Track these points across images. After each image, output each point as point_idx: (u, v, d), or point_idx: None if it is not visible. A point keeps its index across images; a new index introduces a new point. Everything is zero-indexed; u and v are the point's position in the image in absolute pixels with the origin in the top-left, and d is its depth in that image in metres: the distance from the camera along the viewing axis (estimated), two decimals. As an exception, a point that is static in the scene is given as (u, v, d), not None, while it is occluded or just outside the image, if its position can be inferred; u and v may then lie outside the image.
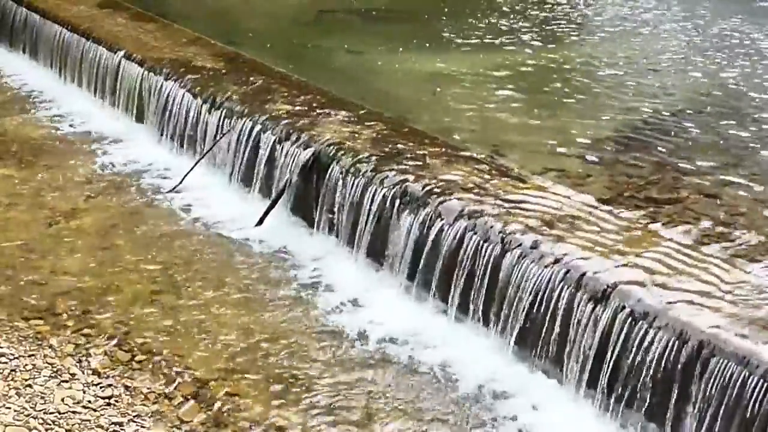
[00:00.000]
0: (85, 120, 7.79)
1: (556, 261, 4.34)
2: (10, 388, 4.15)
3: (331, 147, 5.70)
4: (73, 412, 4.03)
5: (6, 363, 4.36)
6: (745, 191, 5.51)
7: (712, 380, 3.67)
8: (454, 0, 10.95)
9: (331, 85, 7.06)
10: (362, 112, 6.38)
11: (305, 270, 5.41)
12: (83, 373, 4.35)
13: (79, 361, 4.44)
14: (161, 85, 7.21)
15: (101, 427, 3.96)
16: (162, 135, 7.18)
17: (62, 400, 4.10)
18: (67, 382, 4.26)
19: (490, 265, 4.58)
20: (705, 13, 11.00)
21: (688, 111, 7.13)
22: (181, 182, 6.47)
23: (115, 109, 7.84)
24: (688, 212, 5.06)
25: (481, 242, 4.63)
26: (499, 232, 4.61)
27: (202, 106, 6.78)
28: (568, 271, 4.26)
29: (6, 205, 6.15)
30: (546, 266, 4.34)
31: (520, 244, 4.50)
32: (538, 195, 5.00)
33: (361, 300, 5.09)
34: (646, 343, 3.89)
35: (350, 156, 5.57)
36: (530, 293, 4.36)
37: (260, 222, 5.83)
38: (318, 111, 6.33)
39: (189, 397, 4.23)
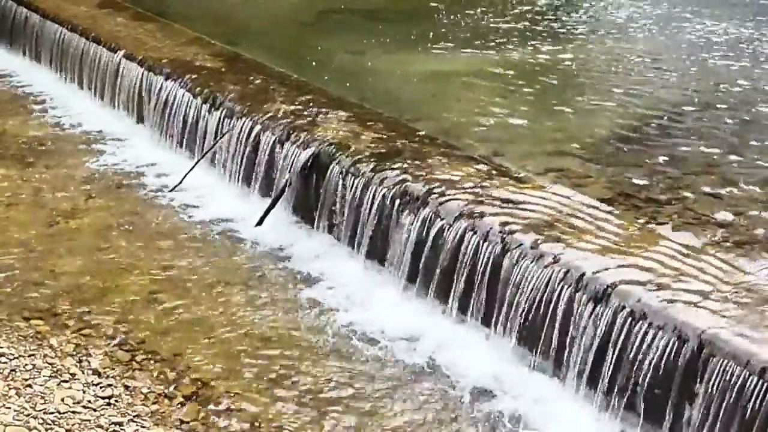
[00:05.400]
0: (86, 120, 7.80)
1: (556, 261, 4.34)
2: (10, 388, 4.15)
3: (331, 147, 5.70)
4: (73, 412, 4.03)
5: (6, 363, 4.35)
6: (746, 191, 5.51)
7: (712, 380, 3.67)
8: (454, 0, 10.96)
9: (331, 85, 7.07)
10: (362, 112, 6.38)
11: (305, 270, 5.41)
12: (83, 373, 4.35)
13: (79, 361, 4.44)
14: (161, 85, 7.21)
15: (101, 427, 3.96)
16: (162, 135, 7.18)
17: (62, 400, 4.10)
18: (67, 382, 4.26)
19: (490, 265, 4.58)
20: (706, 14, 11.00)
21: (689, 110, 7.13)
22: (181, 182, 6.47)
23: (115, 108, 7.84)
24: (688, 212, 5.07)
25: (481, 242, 4.63)
26: (499, 232, 4.61)
27: (202, 106, 6.78)
28: (568, 271, 4.26)
29: (6, 205, 6.15)
30: (546, 266, 4.34)
31: (520, 244, 4.50)
32: (538, 195, 5.00)
33: (361, 299, 5.08)
34: (646, 343, 3.89)
35: (350, 156, 5.57)
36: (530, 293, 4.36)
37: (260, 222, 5.83)
38: (318, 111, 6.33)
39: (189, 397, 4.23)
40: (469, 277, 4.69)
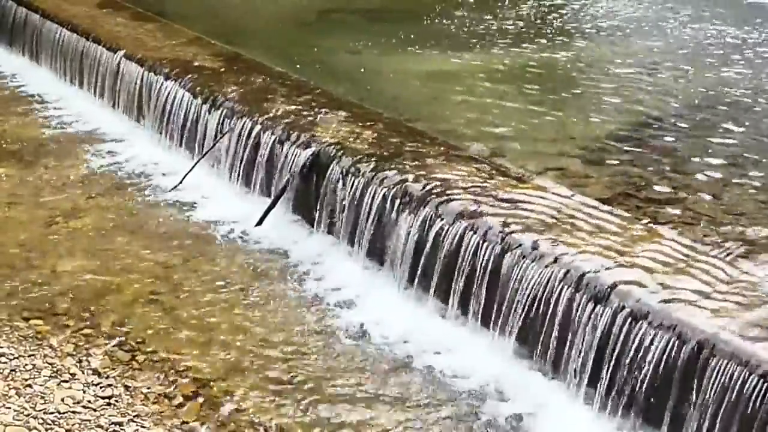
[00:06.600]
0: (85, 120, 7.79)
1: (556, 261, 4.34)
2: (10, 388, 4.15)
3: (331, 147, 5.71)
4: (73, 412, 4.03)
5: (6, 363, 4.36)
6: (746, 191, 5.51)
7: (711, 380, 3.67)
8: (453, 0, 10.96)
9: (331, 85, 7.07)
10: (362, 112, 6.38)
11: (305, 270, 5.41)
12: (83, 373, 4.35)
13: (79, 361, 4.44)
14: (161, 85, 7.21)
15: (101, 427, 3.96)
16: (162, 135, 7.18)
17: (62, 400, 4.11)
18: (67, 382, 4.26)
19: (489, 266, 4.58)
20: (702, 13, 11.00)
21: (688, 110, 7.13)
22: (181, 182, 6.47)
23: (115, 109, 7.84)
24: (688, 212, 5.07)
25: (481, 242, 4.64)
26: (499, 232, 4.61)
27: (202, 106, 6.78)
28: (568, 271, 4.26)
29: (6, 205, 6.15)
30: (546, 266, 4.34)
31: (520, 244, 4.50)
32: (538, 195, 5.00)
33: (361, 299, 5.09)
34: (646, 343, 3.90)
35: (350, 156, 5.57)
36: (530, 293, 4.36)
37: (260, 222, 5.83)
38: (318, 111, 6.33)
39: (189, 397, 4.24)
40: (468, 278, 4.69)
